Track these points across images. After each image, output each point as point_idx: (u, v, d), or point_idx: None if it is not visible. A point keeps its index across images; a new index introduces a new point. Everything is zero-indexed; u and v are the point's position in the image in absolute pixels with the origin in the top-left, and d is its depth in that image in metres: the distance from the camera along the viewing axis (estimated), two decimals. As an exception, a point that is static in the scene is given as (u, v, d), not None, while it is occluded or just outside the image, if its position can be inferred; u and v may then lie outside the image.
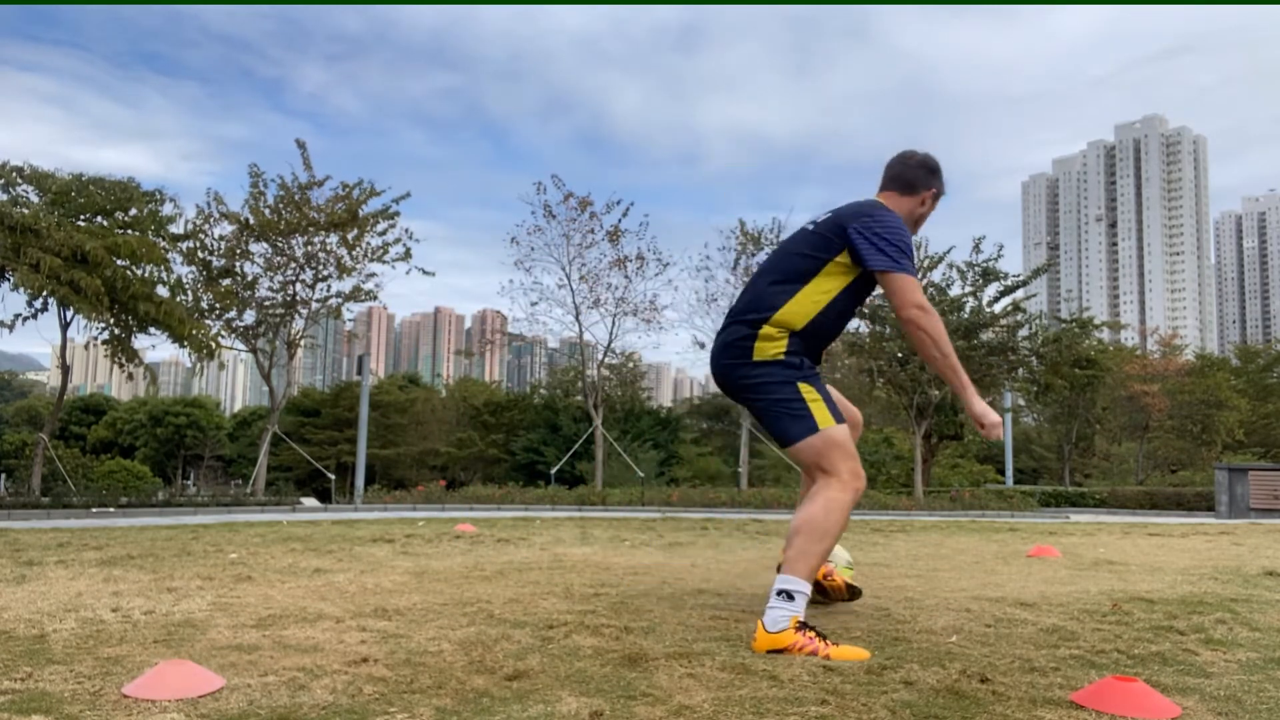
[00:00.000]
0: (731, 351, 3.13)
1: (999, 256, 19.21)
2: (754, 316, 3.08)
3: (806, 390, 3.00)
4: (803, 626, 2.70)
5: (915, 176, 3.24)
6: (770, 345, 3.05)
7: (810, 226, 3.18)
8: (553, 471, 23.58)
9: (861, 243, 2.99)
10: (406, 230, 19.10)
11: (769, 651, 2.65)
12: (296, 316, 19.00)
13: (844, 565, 3.60)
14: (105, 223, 15.34)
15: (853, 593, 3.50)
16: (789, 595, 2.76)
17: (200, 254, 17.91)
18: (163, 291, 15.43)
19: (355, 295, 19.02)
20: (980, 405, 2.96)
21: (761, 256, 21.34)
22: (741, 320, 3.11)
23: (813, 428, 2.96)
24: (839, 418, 3.01)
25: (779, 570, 2.87)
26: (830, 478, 2.93)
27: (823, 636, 2.69)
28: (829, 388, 3.14)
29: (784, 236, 21.39)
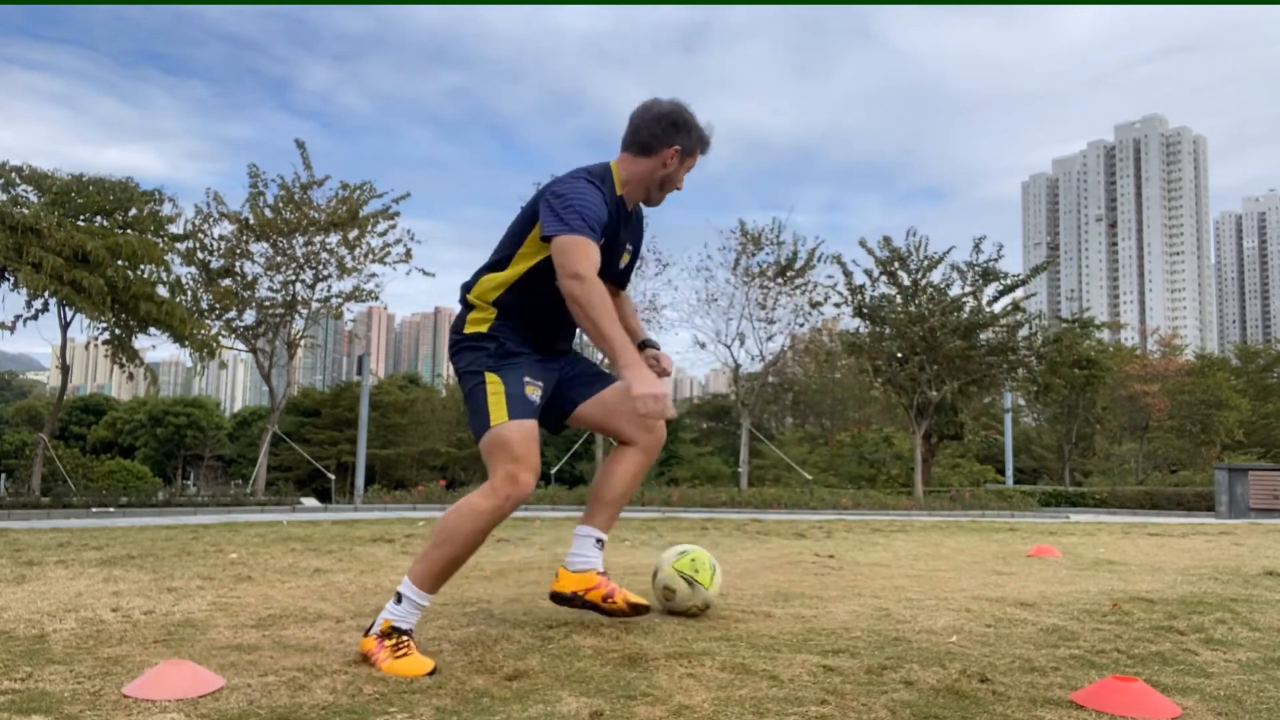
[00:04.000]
0: (452, 327, 2.92)
1: (999, 257, 19.22)
2: (463, 287, 2.92)
3: (492, 380, 2.72)
4: (392, 633, 2.48)
5: (652, 134, 2.81)
6: (477, 315, 2.85)
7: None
8: (553, 471, 23.58)
9: (543, 212, 2.67)
10: (408, 231, 19.13)
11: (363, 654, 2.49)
12: (296, 316, 19.01)
13: (672, 563, 3.23)
14: (105, 223, 15.36)
15: (635, 609, 2.95)
16: (399, 598, 2.58)
17: (199, 254, 17.92)
18: (162, 292, 15.44)
19: (355, 295, 19.03)
20: (632, 372, 2.52)
21: (762, 257, 21.34)
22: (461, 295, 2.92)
23: (485, 424, 2.67)
24: (519, 413, 2.67)
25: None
26: (488, 481, 2.64)
27: (395, 649, 2.43)
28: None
29: (783, 236, 21.37)
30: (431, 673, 2.32)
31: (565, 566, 2.99)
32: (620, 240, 2.94)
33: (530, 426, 2.69)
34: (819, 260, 20.94)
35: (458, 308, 2.95)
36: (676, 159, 2.84)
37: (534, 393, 2.78)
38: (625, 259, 3.03)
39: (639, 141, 2.82)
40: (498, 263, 2.84)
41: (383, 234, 18.87)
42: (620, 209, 2.86)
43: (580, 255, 2.58)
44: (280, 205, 18.02)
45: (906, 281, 19.36)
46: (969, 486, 24.57)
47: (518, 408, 2.69)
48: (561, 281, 2.58)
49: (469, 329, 2.84)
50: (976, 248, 19.18)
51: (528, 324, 2.86)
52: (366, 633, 2.55)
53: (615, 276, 3.01)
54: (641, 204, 2.96)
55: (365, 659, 2.46)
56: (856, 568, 4.87)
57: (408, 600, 2.58)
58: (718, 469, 36.62)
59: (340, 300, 19.11)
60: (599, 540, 3.00)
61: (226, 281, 18.13)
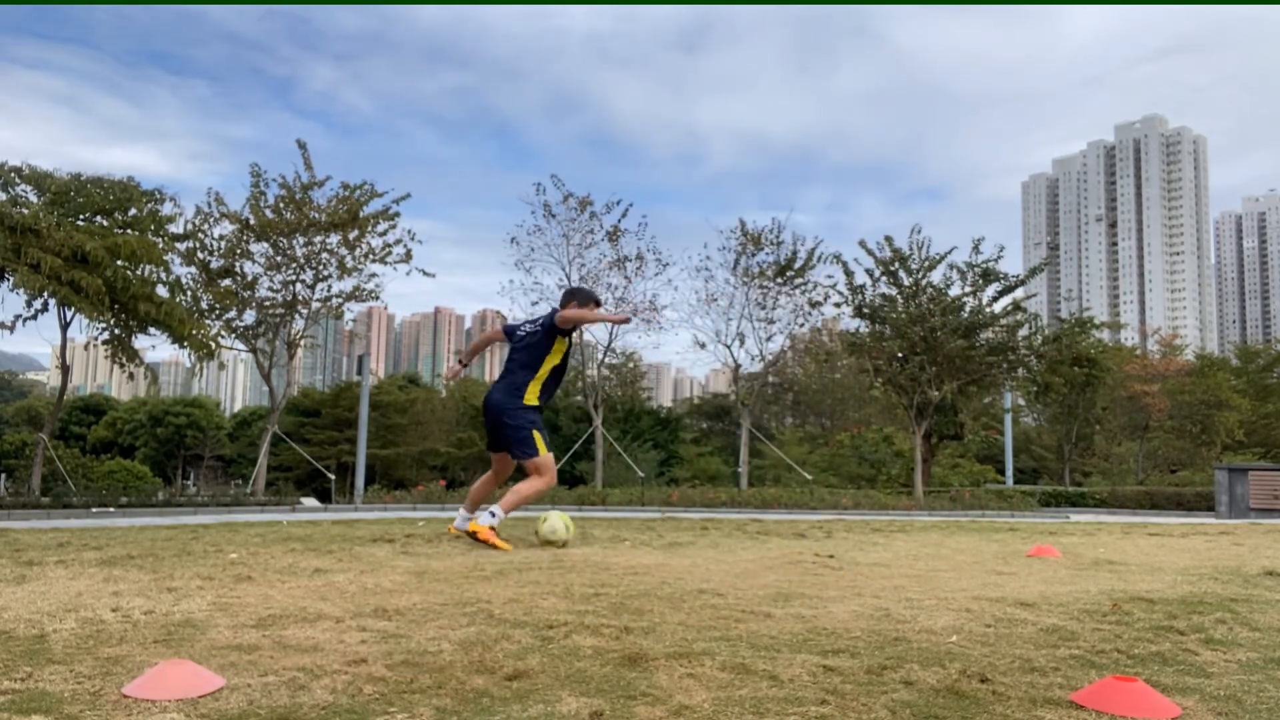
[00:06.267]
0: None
1: (999, 257, 19.22)
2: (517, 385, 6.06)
3: (536, 434, 5.98)
4: (494, 532, 5.67)
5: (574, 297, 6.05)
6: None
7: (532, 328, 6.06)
8: (553, 471, 23.53)
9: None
10: (409, 231, 19.13)
11: (475, 537, 5.69)
12: (297, 316, 19.00)
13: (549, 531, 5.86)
14: (105, 223, 15.33)
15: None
16: (493, 514, 5.83)
17: (200, 254, 17.91)
18: (162, 292, 15.42)
19: (356, 295, 19.02)
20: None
21: (762, 257, 21.34)
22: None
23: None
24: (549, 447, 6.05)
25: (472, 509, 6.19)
26: (534, 477, 5.97)
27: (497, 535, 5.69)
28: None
29: (783, 236, 21.40)
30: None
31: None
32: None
33: (550, 453, 6.10)
34: (819, 260, 20.95)
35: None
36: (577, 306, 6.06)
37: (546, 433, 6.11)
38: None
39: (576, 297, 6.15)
40: (532, 366, 5.99)
41: (383, 234, 18.87)
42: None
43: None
44: (281, 206, 18.01)
45: (907, 282, 19.36)
46: (969, 486, 24.57)
47: (547, 445, 6.06)
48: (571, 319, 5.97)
49: (525, 400, 5.99)
50: (976, 248, 19.19)
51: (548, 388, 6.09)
52: (478, 524, 5.70)
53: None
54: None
55: (475, 535, 5.67)
56: (856, 568, 4.87)
57: (498, 517, 5.83)
58: (718, 469, 36.61)
59: (340, 300, 19.10)
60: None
61: (226, 281, 18.12)
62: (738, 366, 22.44)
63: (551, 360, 5.97)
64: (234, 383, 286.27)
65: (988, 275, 19.13)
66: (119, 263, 14.35)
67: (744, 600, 3.58)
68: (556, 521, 5.88)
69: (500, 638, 2.75)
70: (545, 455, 5.94)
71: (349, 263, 18.64)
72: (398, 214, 18.78)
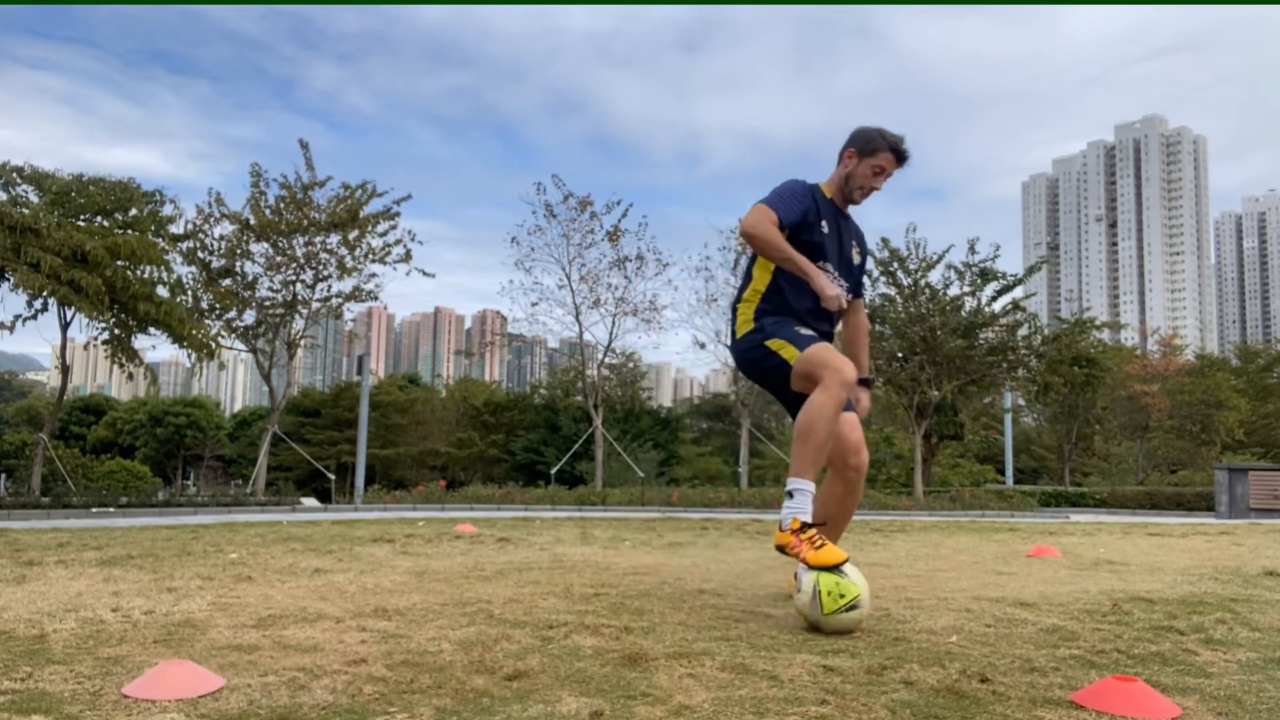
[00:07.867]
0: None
1: (995, 256, 19.22)
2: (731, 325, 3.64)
3: (772, 343, 3.41)
4: (804, 527, 3.02)
5: (841, 147, 3.55)
6: (743, 318, 3.58)
7: None
8: (553, 471, 23.58)
9: None
10: (409, 231, 19.18)
11: (777, 548, 3.08)
12: (297, 316, 19.01)
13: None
14: (105, 223, 15.34)
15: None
16: (790, 494, 3.09)
17: (200, 254, 17.92)
18: (162, 292, 15.43)
19: (355, 295, 19.03)
20: (817, 279, 3.20)
21: None
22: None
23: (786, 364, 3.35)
24: (804, 344, 3.31)
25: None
26: (816, 391, 3.17)
27: (812, 541, 2.98)
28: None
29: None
30: (843, 563, 2.93)
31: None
32: (839, 233, 3.55)
33: (820, 343, 3.29)
34: (819, 260, 20.95)
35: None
36: (855, 160, 3.47)
37: (809, 331, 3.42)
38: (856, 255, 3.63)
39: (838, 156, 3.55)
40: (744, 288, 3.63)
41: (383, 234, 18.89)
42: (833, 209, 3.54)
43: (754, 210, 3.34)
44: (281, 206, 18.02)
45: (905, 282, 19.36)
46: (969, 486, 24.58)
47: (802, 343, 3.32)
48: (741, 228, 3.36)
49: (740, 331, 3.58)
50: (971, 248, 19.18)
51: (790, 306, 3.46)
52: (780, 529, 3.07)
53: (850, 273, 3.60)
54: (847, 205, 3.59)
55: (783, 550, 3.03)
56: (857, 568, 4.86)
57: (799, 493, 3.07)
58: (718, 469, 36.63)
59: (340, 300, 19.12)
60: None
61: (227, 281, 18.13)
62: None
63: (756, 284, 3.60)
64: (234, 383, 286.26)
65: (985, 275, 19.13)
66: (119, 263, 14.35)
67: (744, 600, 3.58)
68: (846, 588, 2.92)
69: (500, 638, 2.75)
70: (804, 352, 3.29)
71: (349, 263, 18.66)
72: (398, 214, 18.82)
